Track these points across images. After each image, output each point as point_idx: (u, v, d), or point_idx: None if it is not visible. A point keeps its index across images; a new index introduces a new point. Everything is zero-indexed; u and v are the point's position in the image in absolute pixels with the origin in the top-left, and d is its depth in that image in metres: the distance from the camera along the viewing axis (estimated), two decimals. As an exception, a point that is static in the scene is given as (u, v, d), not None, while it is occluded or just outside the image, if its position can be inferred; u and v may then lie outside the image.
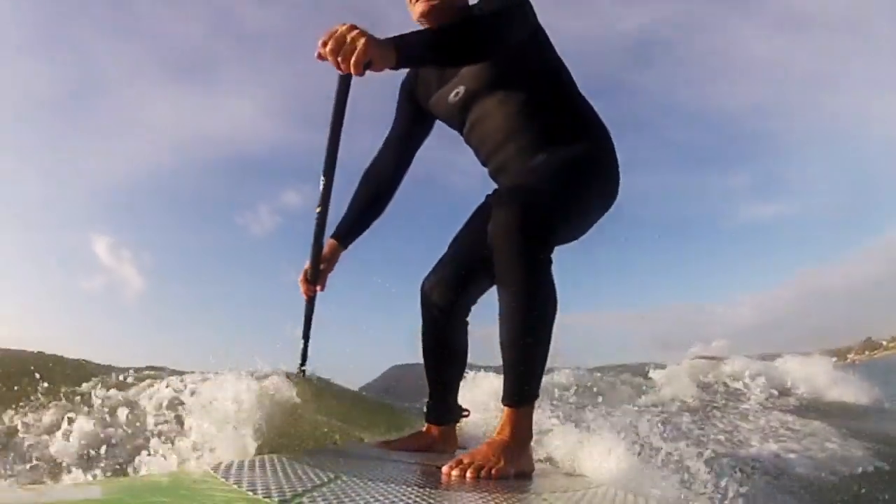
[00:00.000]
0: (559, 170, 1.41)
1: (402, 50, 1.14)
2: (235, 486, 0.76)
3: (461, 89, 1.52)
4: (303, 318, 1.75)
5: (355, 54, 1.07)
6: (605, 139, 1.54)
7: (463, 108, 1.55)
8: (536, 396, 1.33)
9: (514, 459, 1.24)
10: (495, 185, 1.65)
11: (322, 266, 1.67)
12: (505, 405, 1.32)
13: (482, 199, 1.71)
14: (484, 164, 1.64)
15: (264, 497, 0.70)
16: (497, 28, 1.33)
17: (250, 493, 0.72)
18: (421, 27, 1.49)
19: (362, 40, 1.07)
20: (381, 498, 0.78)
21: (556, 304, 1.32)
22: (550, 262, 1.32)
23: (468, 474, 1.14)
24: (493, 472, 1.17)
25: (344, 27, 1.08)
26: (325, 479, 0.88)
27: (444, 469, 1.17)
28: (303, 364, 1.86)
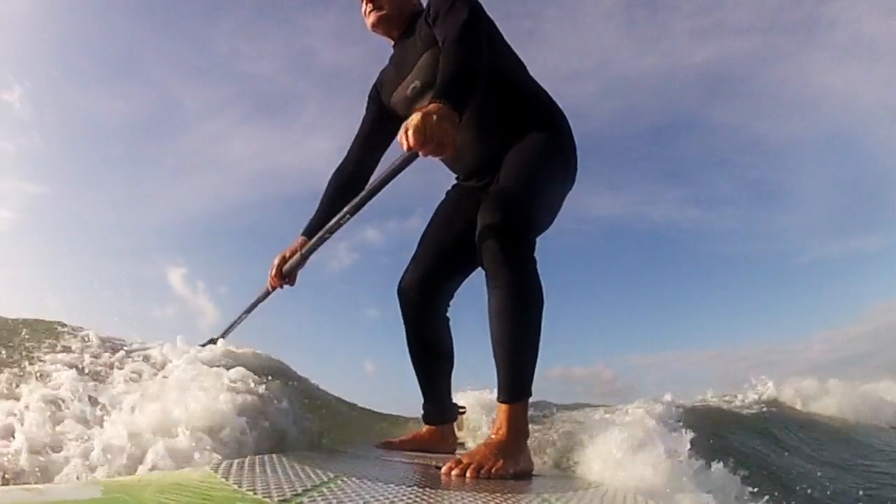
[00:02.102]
0: (527, 165, 1.45)
1: (461, 109, 1.26)
2: (235, 486, 0.76)
3: (417, 83, 1.59)
4: (253, 300, 1.85)
5: (449, 141, 1.20)
6: (562, 124, 1.58)
7: (419, 100, 1.59)
8: (530, 394, 1.35)
9: (512, 458, 1.25)
10: (455, 179, 1.74)
11: (296, 266, 1.71)
12: (500, 402, 1.34)
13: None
14: (446, 161, 1.69)
15: (264, 497, 0.70)
16: (480, 37, 1.41)
17: (250, 493, 0.72)
18: (376, 34, 1.69)
19: (449, 132, 1.19)
20: (381, 498, 0.78)
21: (543, 300, 1.36)
22: (535, 260, 1.37)
23: (468, 474, 1.15)
24: (492, 471, 1.17)
25: (434, 121, 1.18)
26: (325, 479, 0.88)
27: (444, 469, 1.18)
28: (223, 335, 2.02)
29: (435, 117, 1.18)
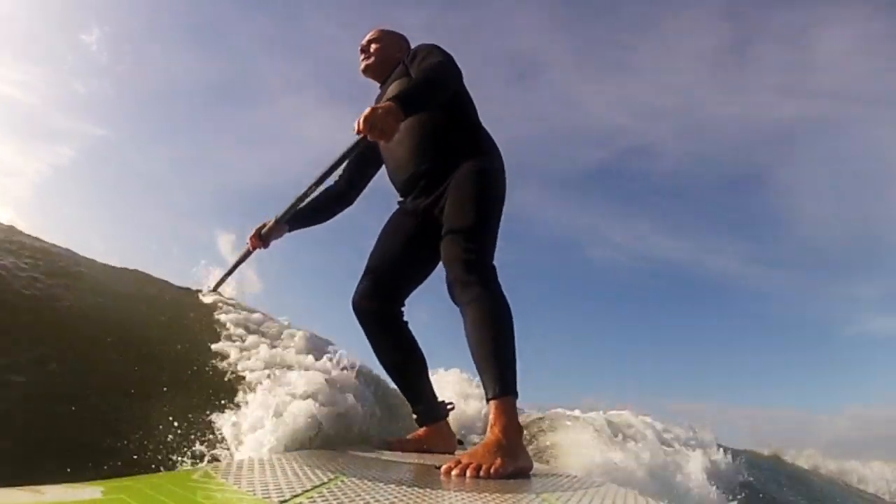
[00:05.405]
0: (472, 199, 1.61)
1: (407, 111, 1.48)
2: (235, 487, 0.76)
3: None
4: (237, 259, 2.32)
5: (389, 130, 1.44)
6: (494, 153, 1.77)
7: None
8: (517, 393, 1.40)
9: (511, 457, 1.25)
10: (400, 198, 1.89)
11: (271, 233, 2.03)
12: (490, 400, 1.38)
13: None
14: (390, 175, 1.87)
15: (264, 497, 0.70)
16: (447, 75, 1.69)
17: (250, 493, 0.72)
18: (366, 78, 1.99)
19: (390, 124, 1.44)
20: (380, 498, 0.78)
21: (511, 312, 1.50)
22: (498, 282, 1.54)
23: (467, 474, 1.15)
24: (491, 471, 1.18)
25: (379, 113, 1.42)
26: (325, 479, 0.89)
27: (444, 469, 1.18)
28: (214, 289, 2.64)
29: (381, 111, 1.42)
